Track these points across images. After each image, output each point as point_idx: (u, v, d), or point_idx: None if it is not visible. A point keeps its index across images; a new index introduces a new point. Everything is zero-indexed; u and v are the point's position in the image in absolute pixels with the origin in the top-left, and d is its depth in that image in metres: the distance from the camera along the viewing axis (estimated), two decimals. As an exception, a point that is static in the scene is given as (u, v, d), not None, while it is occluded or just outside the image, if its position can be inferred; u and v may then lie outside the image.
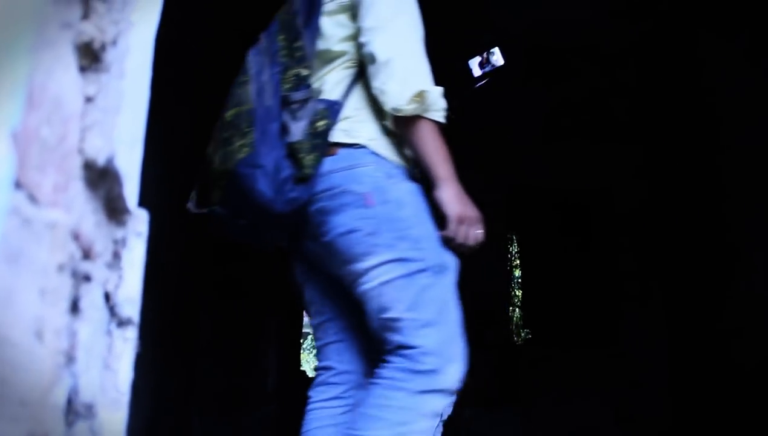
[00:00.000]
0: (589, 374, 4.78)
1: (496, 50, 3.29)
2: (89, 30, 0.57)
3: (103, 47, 0.59)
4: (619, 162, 5.08)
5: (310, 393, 1.77)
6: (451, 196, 1.60)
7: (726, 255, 4.06)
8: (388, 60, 1.58)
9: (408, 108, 1.56)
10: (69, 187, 0.54)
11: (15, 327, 0.44)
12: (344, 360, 1.76)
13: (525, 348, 5.61)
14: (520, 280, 6.12)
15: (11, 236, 0.42)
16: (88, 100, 0.58)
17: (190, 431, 4.36)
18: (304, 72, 1.63)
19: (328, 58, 1.72)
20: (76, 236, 0.55)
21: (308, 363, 13.63)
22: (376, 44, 1.60)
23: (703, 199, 4.35)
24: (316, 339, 1.84)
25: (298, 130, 1.55)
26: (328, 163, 1.58)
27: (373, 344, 1.67)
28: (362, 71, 1.68)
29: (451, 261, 1.61)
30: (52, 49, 0.52)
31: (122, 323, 0.70)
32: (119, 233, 0.67)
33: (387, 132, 1.66)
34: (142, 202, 0.73)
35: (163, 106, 2.73)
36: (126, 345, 0.70)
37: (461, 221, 1.60)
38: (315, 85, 1.68)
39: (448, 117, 1.65)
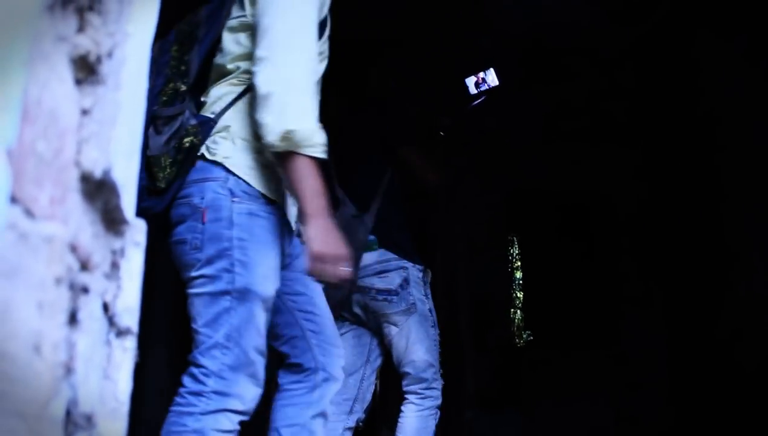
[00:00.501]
0: (590, 376, 4.78)
1: (491, 71, 3.33)
2: (85, 43, 0.57)
3: (98, 60, 0.59)
4: (618, 164, 5.09)
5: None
6: (315, 233, 1.58)
7: (726, 256, 4.06)
8: (268, 94, 1.57)
9: (280, 144, 1.55)
10: (66, 199, 0.54)
11: (13, 341, 0.44)
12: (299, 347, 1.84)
13: (526, 350, 5.61)
14: (521, 282, 6.12)
15: (8, 251, 0.43)
16: (84, 112, 0.58)
17: None
18: (183, 87, 1.65)
19: (221, 73, 1.75)
20: (73, 248, 0.55)
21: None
22: (261, 76, 1.59)
23: (703, 200, 4.35)
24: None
25: (156, 144, 1.59)
26: (189, 174, 1.63)
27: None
28: (246, 91, 1.69)
29: (263, 291, 1.61)
30: (48, 62, 0.52)
31: (121, 332, 0.70)
32: (117, 244, 0.68)
33: (250, 153, 1.66)
34: (140, 213, 0.74)
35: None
36: (125, 355, 0.70)
37: (320, 258, 1.58)
38: (203, 98, 1.72)
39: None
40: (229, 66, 1.73)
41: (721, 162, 4.12)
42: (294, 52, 1.62)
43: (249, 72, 1.67)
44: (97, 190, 0.60)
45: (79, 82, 0.58)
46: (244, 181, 1.63)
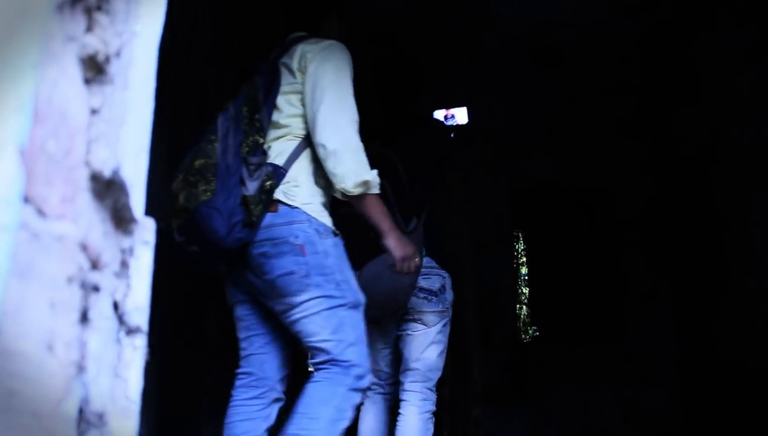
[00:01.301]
0: (597, 372, 4.78)
1: (464, 109, 3.42)
2: (93, 43, 0.57)
3: (107, 59, 0.59)
4: (624, 159, 5.08)
5: (233, 393, 2.27)
6: (394, 243, 2.19)
7: (733, 251, 4.05)
8: (335, 150, 2.04)
9: (355, 190, 2.07)
10: (76, 199, 0.54)
11: (26, 340, 0.44)
12: (264, 369, 2.24)
13: (533, 346, 5.61)
14: (526, 277, 6.12)
15: (21, 251, 0.43)
16: (94, 112, 0.58)
17: (199, 434, 4.37)
18: (261, 140, 2.06)
19: (277, 127, 2.16)
20: (84, 247, 0.56)
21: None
22: (325, 136, 2.06)
23: (709, 194, 4.34)
24: (241, 349, 2.29)
25: (252, 186, 1.97)
26: (270, 217, 2.03)
27: (288, 359, 2.29)
28: (302, 144, 2.14)
29: (362, 299, 2.12)
30: (57, 62, 0.52)
31: (131, 331, 0.70)
32: (126, 243, 0.68)
33: (318, 198, 2.14)
34: (149, 212, 0.74)
35: (168, 116, 2.74)
36: (135, 353, 0.70)
37: (403, 259, 2.22)
38: (265, 147, 2.11)
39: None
40: (283, 121, 2.16)
41: (726, 156, 4.10)
42: (346, 113, 2.09)
43: (301, 129, 2.15)
44: (107, 190, 0.60)
45: (88, 81, 0.58)
46: (321, 221, 2.09)
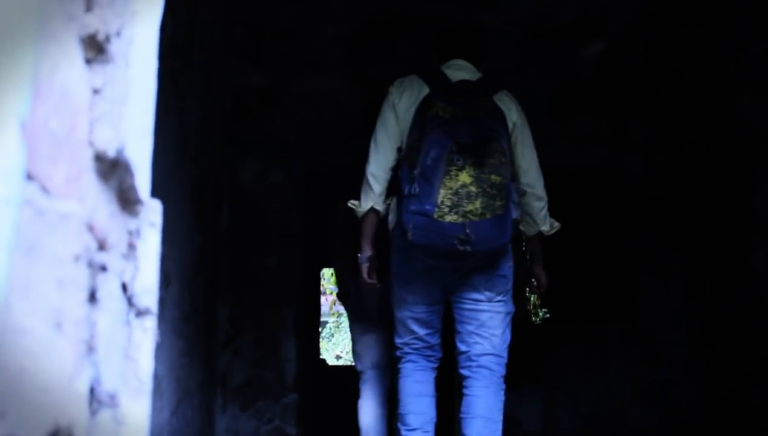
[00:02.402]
0: (608, 351, 4.77)
1: None
2: (93, 22, 0.57)
3: (107, 39, 0.59)
4: (631, 137, 5.05)
5: (411, 366, 2.76)
6: (542, 272, 2.95)
7: (745, 227, 4.03)
8: (541, 198, 2.83)
9: (550, 232, 2.89)
10: (81, 179, 0.54)
11: (34, 317, 0.44)
12: (437, 345, 2.82)
13: (544, 328, 5.61)
14: (535, 260, 6.10)
15: (26, 227, 0.43)
16: (96, 92, 0.58)
17: (213, 423, 4.40)
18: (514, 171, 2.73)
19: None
20: (90, 228, 0.56)
21: (327, 352, 13.68)
22: (537, 187, 2.81)
23: (719, 171, 4.31)
24: (430, 335, 2.77)
25: (516, 212, 2.61)
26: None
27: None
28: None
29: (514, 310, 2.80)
30: (57, 42, 0.52)
31: (140, 313, 0.70)
32: (133, 224, 0.68)
33: None
34: (155, 194, 0.74)
35: (171, 95, 2.73)
36: (145, 335, 0.70)
37: (546, 284, 2.96)
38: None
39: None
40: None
41: (740, 129, 4.07)
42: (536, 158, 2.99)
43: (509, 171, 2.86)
44: (111, 170, 0.60)
45: (89, 61, 0.57)
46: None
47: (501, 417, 2.57)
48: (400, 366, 2.78)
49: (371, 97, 3.65)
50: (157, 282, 0.72)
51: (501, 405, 2.59)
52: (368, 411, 3.47)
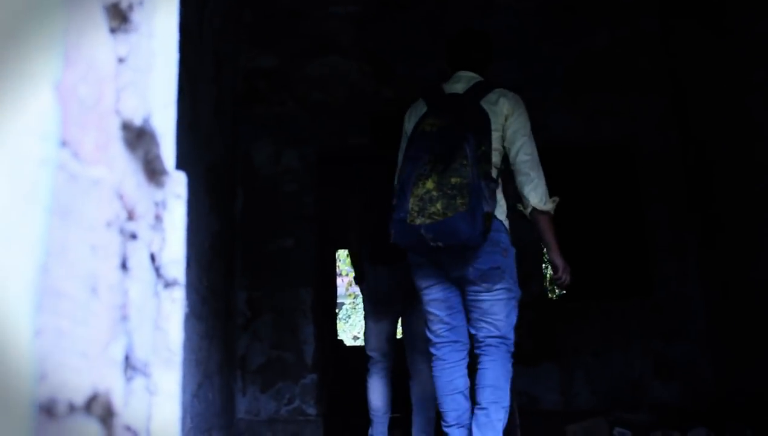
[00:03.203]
0: (626, 326, 4.77)
1: None
2: (116, -10, 0.57)
3: (130, 7, 0.58)
4: (645, 112, 5.01)
5: (445, 357, 2.98)
6: (561, 259, 2.94)
7: (759, 202, 4.00)
8: (525, 173, 2.88)
9: (546, 207, 2.85)
10: (109, 147, 0.54)
11: (71, 281, 0.44)
12: (464, 336, 3.01)
13: (560, 303, 5.60)
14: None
15: (61, 191, 0.43)
16: (120, 60, 0.58)
17: (233, 405, 4.43)
18: (489, 169, 2.72)
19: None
20: (120, 196, 0.56)
21: (344, 333, 13.73)
22: (521, 165, 2.88)
23: (734, 144, 4.27)
24: (445, 324, 2.99)
25: (489, 206, 2.66)
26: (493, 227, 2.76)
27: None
28: (500, 175, 2.90)
29: (519, 294, 2.93)
30: (83, 9, 0.52)
31: (168, 284, 0.70)
32: (159, 195, 0.68)
33: (505, 214, 2.90)
34: (180, 166, 0.73)
35: (182, 79, 2.73)
36: (174, 306, 0.71)
37: (564, 270, 2.93)
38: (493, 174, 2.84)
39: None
40: (493, 159, 2.90)
41: (753, 104, 4.03)
42: (531, 139, 3.05)
43: (500, 162, 2.97)
44: (138, 139, 0.60)
45: (113, 30, 0.57)
46: (509, 234, 2.88)
47: (508, 385, 2.82)
48: (432, 363, 3.03)
49: (376, 116, 3.88)
50: (183, 254, 0.72)
51: (508, 375, 2.84)
52: (377, 392, 3.70)
